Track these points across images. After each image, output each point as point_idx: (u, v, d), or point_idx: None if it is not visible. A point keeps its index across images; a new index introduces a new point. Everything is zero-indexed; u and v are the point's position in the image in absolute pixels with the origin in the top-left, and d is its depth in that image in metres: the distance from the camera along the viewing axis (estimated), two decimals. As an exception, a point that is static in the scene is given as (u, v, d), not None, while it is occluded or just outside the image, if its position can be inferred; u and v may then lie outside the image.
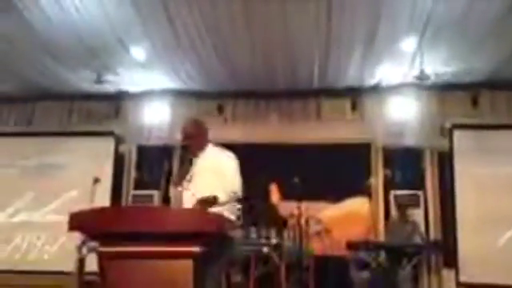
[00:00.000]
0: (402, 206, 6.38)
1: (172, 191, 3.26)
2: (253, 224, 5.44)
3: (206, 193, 3.05)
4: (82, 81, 6.73)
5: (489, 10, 4.82)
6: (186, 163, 3.31)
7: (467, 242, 6.30)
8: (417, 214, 6.46)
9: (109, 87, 6.81)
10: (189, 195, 3.17)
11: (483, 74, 6.36)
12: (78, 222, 2.49)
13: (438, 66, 6.05)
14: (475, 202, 6.37)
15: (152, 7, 4.99)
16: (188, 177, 3.26)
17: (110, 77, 6.50)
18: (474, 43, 5.49)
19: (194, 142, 3.34)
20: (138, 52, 5.89)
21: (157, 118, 7.10)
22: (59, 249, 6.95)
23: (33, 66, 6.41)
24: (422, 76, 5.87)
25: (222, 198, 3.04)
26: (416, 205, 6.56)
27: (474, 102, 6.76)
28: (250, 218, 5.48)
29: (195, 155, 3.34)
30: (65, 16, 5.09)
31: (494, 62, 5.99)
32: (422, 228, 6.37)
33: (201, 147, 3.35)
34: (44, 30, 5.37)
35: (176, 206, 3.17)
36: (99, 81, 6.39)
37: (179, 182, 3.26)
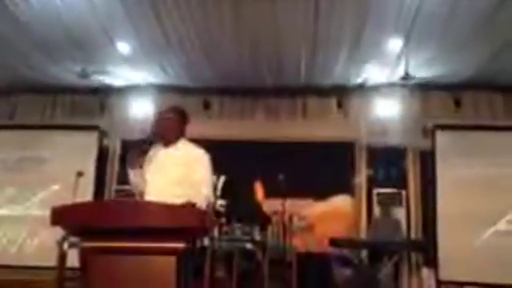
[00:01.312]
0: (385, 204, 6.46)
1: (131, 173, 3.10)
2: (237, 220, 5.44)
3: (173, 188, 2.93)
4: (67, 74, 6.66)
5: (472, 13, 4.88)
6: (144, 145, 3.06)
7: (447, 241, 6.39)
8: (399, 213, 6.54)
9: (94, 81, 6.76)
10: (157, 189, 3.00)
11: (466, 76, 6.45)
12: (59, 216, 2.47)
13: (422, 67, 6.13)
14: (456, 202, 6.47)
15: (139, 2, 4.96)
16: (145, 161, 3.06)
17: (95, 71, 6.45)
18: (457, 45, 5.57)
19: (169, 128, 3.12)
20: (124, 46, 5.85)
21: (141, 112, 7.06)
22: (40, 243, 6.87)
23: (16, 58, 6.32)
24: (406, 76, 5.95)
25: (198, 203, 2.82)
26: (398, 203, 6.65)
27: (457, 103, 6.86)
28: (234, 214, 5.49)
29: (166, 144, 3.12)
30: (50, 7, 5.02)
31: (476, 64, 6.08)
32: (404, 226, 6.46)
33: (175, 137, 3.14)
34: (28, 21, 5.29)
35: (135, 191, 3.07)
36: (84, 74, 6.33)
37: (134, 165, 3.06)
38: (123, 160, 7.15)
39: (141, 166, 3.08)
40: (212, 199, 3.07)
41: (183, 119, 3.22)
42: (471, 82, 6.59)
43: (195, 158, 3.11)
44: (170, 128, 3.12)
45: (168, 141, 3.13)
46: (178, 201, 2.67)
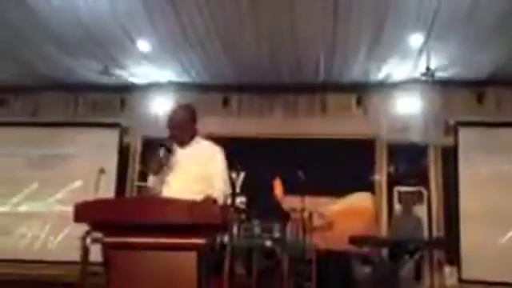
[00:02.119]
0: (406, 202, 6.39)
1: (151, 180, 3.14)
2: (256, 217, 5.46)
3: (192, 186, 2.98)
4: (88, 71, 6.75)
5: (495, 8, 4.80)
6: (164, 151, 3.06)
7: (470, 239, 6.31)
8: (420, 211, 6.47)
9: (115, 78, 6.82)
10: (176, 188, 3.02)
11: (489, 72, 6.34)
12: (83, 212, 2.51)
13: (444, 62, 6.04)
14: (479, 200, 6.37)
15: (158, -1, 5.00)
16: (165, 167, 3.07)
17: (115, 68, 6.53)
18: (479, 40, 5.47)
19: (184, 129, 3.14)
20: (144, 44, 5.90)
21: (162, 110, 7.11)
22: (64, 239, 7.00)
23: (39, 56, 6.42)
24: (427, 72, 5.86)
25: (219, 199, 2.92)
26: (419, 201, 6.57)
27: (479, 100, 6.74)
28: (253, 211, 5.50)
29: (182, 145, 3.14)
30: (71, 5, 5.09)
31: (499, 60, 5.96)
32: (425, 224, 6.38)
33: (190, 137, 3.16)
34: (50, 19, 5.38)
35: (153, 193, 3.11)
36: (105, 72, 6.40)
37: (158, 170, 3.07)
38: (144, 157, 7.23)
39: (160, 173, 3.10)
40: (227, 192, 3.10)
41: (195, 118, 3.23)
42: (494, 78, 6.47)
43: (210, 156, 3.15)
44: (185, 130, 3.14)
45: (183, 141, 3.15)
46: (198, 197, 2.70)
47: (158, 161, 3.07)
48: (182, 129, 3.14)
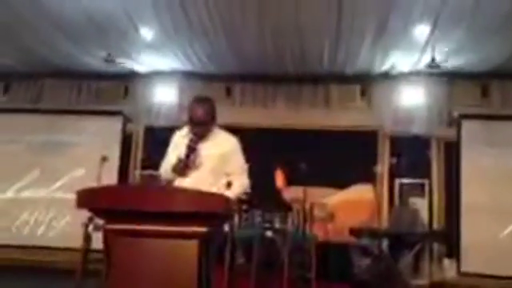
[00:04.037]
0: (404, 194, 6.40)
1: (167, 175, 3.14)
2: (258, 208, 5.46)
3: (209, 179, 3.00)
4: (92, 59, 6.74)
5: (501, 0, 4.75)
6: (186, 148, 3.03)
7: (470, 233, 6.31)
8: (421, 203, 6.47)
9: (118, 66, 6.81)
10: (191, 180, 3.01)
11: (494, 65, 6.30)
12: (85, 199, 2.50)
13: (449, 54, 6.01)
14: (480, 193, 6.36)
15: (163, -13, 4.97)
16: (190, 163, 3.04)
17: (119, 56, 6.50)
18: (485, 33, 5.43)
19: (209, 124, 3.11)
20: (148, 33, 5.88)
21: (165, 99, 7.11)
22: (66, 225, 7.03)
23: (42, 43, 6.41)
24: (432, 64, 5.83)
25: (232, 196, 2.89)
26: (421, 193, 6.57)
27: (484, 93, 6.72)
28: (255, 201, 5.51)
29: (201, 138, 3.09)
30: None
31: (505, 53, 5.93)
32: (426, 217, 6.39)
33: (210, 131, 3.15)
34: (54, 5, 5.36)
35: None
36: (109, 60, 6.38)
37: (184, 171, 3.03)
38: (147, 146, 7.24)
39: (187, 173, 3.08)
40: (248, 187, 3.12)
41: (215, 114, 3.17)
42: (499, 70, 6.44)
43: (228, 149, 3.15)
44: (209, 124, 3.12)
45: (203, 135, 3.12)
46: (212, 189, 2.72)
47: (184, 163, 3.03)
48: (208, 123, 3.11)
